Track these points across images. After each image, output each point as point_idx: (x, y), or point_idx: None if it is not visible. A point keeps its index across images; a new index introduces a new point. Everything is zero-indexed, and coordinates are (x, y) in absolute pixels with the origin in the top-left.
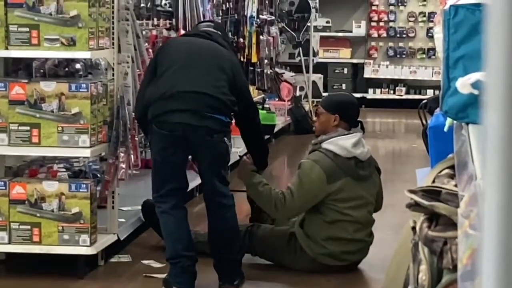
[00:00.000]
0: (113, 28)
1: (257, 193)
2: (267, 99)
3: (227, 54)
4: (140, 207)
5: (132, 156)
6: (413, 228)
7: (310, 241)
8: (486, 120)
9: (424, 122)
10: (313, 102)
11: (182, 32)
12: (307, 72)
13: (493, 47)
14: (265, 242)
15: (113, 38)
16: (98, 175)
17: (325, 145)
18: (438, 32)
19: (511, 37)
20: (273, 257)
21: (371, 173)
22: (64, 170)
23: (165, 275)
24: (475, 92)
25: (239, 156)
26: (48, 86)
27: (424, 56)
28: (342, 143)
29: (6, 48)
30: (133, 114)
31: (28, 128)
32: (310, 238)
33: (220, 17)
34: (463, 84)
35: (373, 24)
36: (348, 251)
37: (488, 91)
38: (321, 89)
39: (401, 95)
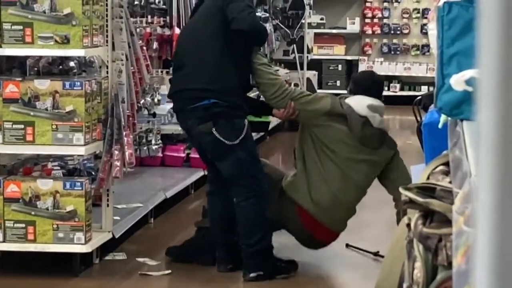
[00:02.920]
0: (107, 26)
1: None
2: (261, 96)
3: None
4: (135, 205)
5: (126, 154)
6: (408, 225)
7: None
8: (479, 117)
9: (418, 118)
10: None
11: (176, 29)
12: (302, 69)
13: (486, 44)
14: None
15: (107, 36)
16: (93, 173)
17: (347, 100)
18: (432, 29)
19: (503, 34)
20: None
21: (377, 148)
22: (58, 168)
23: (160, 273)
24: (469, 88)
25: None
26: (42, 84)
27: (418, 52)
28: (359, 99)
29: (0, 46)
30: (128, 112)
31: (22, 126)
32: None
33: None
34: (457, 81)
35: (367, 20)
36: (318, 199)
37: (481, 88)
38: (316, 86)
39: (396, 92)
